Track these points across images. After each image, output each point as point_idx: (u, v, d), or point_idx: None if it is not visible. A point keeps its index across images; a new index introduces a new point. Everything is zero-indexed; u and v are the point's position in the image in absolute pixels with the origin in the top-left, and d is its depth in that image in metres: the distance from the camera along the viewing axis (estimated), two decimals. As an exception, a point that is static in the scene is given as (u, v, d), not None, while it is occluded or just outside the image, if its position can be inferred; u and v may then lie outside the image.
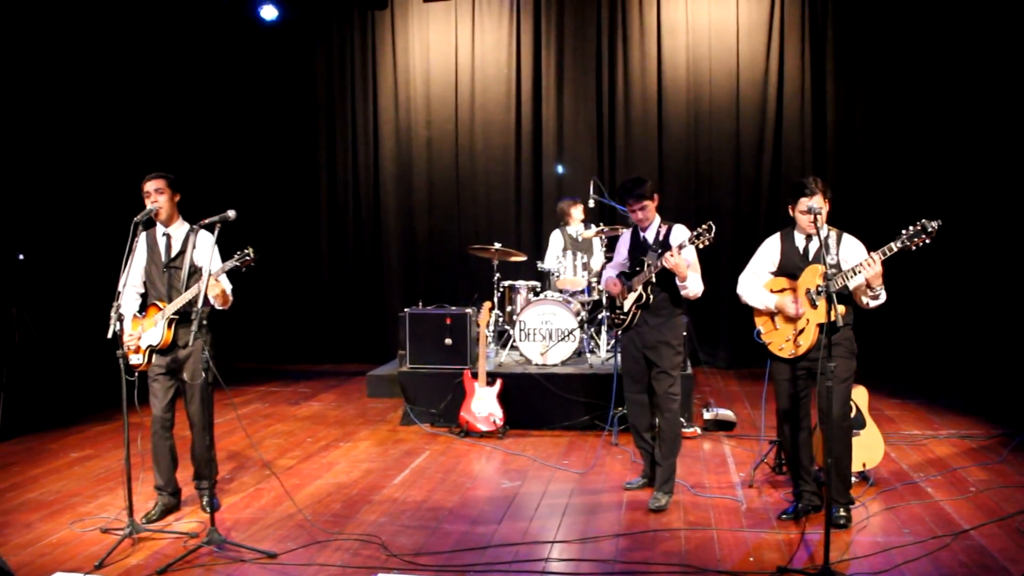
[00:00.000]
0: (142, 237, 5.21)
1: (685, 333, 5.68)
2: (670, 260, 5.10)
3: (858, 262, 4.55)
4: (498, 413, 7.06)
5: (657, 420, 5.48)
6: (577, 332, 7.70)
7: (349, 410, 8.43)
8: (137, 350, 5.10)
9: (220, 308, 5.05)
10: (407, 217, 11.10)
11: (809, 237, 4.91)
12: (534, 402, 7.33)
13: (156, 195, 5.13)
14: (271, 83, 11.39)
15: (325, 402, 8.89)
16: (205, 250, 5.18)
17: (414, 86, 10.98)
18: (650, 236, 5.43)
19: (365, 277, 11.28)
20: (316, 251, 11.41)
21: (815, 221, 4.66)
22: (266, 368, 10.98)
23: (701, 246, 5.01)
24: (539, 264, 8.64)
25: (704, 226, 4.96)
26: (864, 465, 5.51)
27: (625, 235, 5.70)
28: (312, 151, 11.39)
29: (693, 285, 5.24)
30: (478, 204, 10.81)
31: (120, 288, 5.20)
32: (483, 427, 7.07)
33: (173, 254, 5.20)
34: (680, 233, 5.33)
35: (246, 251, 4.77)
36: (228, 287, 5.07)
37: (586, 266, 8.16)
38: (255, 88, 11.42)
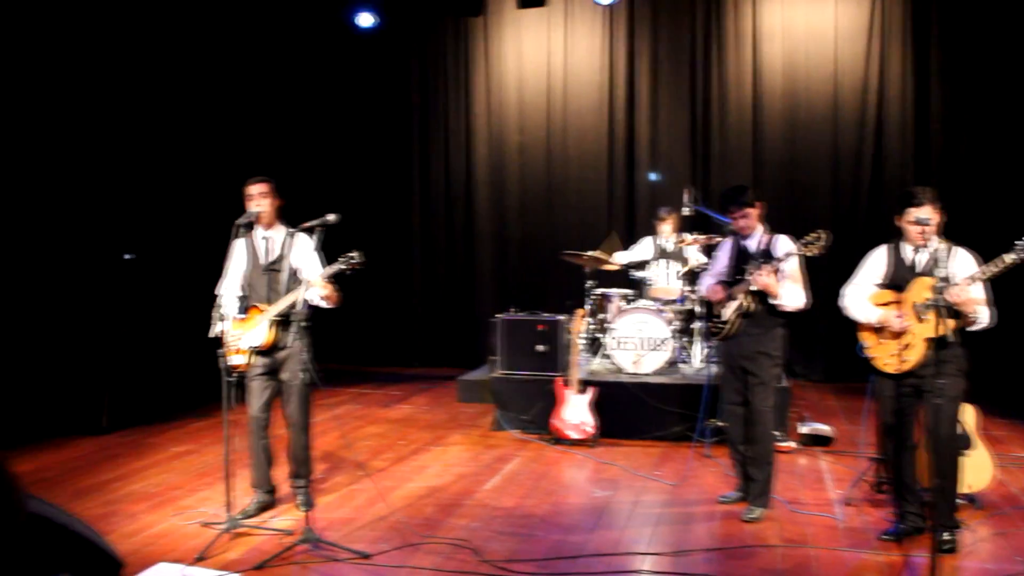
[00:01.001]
0: (242, 240, 5.32)
1: (783, 346, 5.54)
2: (759, 279, 5.00)
3: (963, 278, 4.38)
4: (590, 421, 7.00)
5: (752, 432, 5.36)
6: (670, 341, 7.61)
7: (440, 414, 8.48)
8: (238, 350, 5.21)
9: (328, 307, 5.13)
10: (499, 222, 11.12)
11: (918, 249, 4.74)
12: (626, 411, 7.26)
13: (260, 199, 5.23)
14: (367, 89, 11.55)
15: (416, 405, 8.97)
16: (303, 253, 5.26)
17: (507, 92, 11.02)
18: (752, 245, 5.32)
19: (457, 282, 11.35)
20: (409, 255, 11.51)
21: (923, 233, 4.49)
22: (358, 370, 11.12)
23: (810, 255, 4.87)
24: (620, 256, 8.58)
25: (815, 233, 4.83)
26: (971, 487, 5.29)
27: (725, 243, 5.60)
28: (406, 157, 11.51)
29: (791, 299, 5.11)
30: (570, 210, 10.76)
31: (220, 290, 5.35)
32: (574, 435, 7.01)
33: (272, 257, 5.29)
34: (784, 245, 5.20)
35: (352, 255, 4.82)
36: (335, 291, 5.11)
37: (679, 275, 8.05)
38: (351, 94, 11.60)
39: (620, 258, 8.63)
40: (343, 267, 4.84)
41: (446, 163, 11.39)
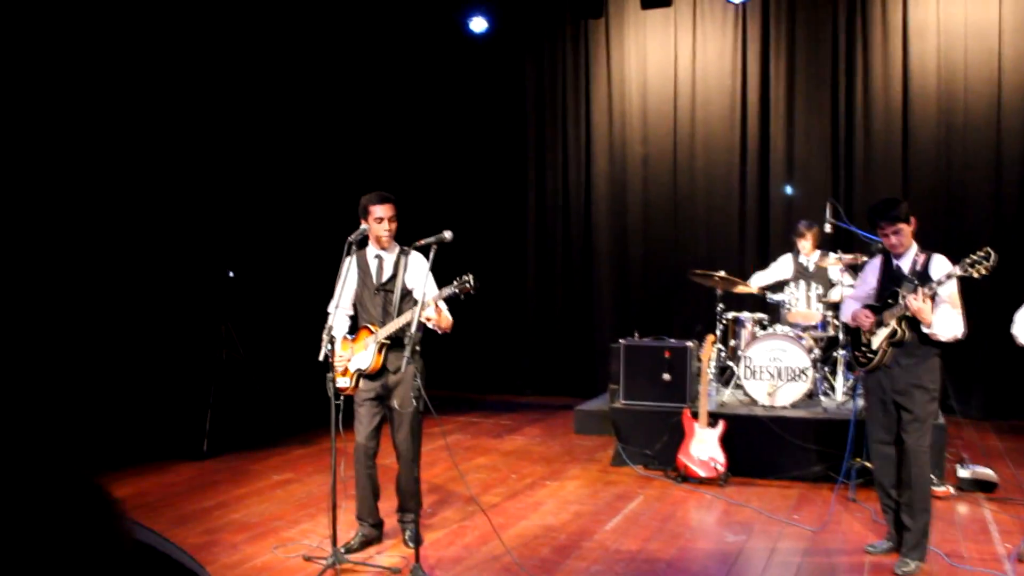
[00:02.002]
0: (353, 258, 5.39)
1: (940, 378, 5.32)
2: (914, 304, 4.82)
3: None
4: (720, 458, 6.88)
5: (906, 475, 5.15)
6: (810, 371, 7.42)
7: (555, 446, 8.47)
8: (344, 372, 5.31)
9: (440, 332, 5.20)
10: (620, 240, 11.08)
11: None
12: (760, 448, 7.12)
13: (389, 223, 5.33)
14: (480, 98, 11.70)
15: (530, 436, 8.98)
16: (418, 273, 5.33)
17: (630, 99, 10.98)
18: (905, 265, 5.13)
19: (574, 303, 11.36)
20: (522, 274, 11.59)
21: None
22: (466, 397, 11.23)
23: (976, 276, 4.68)
24: (756, 278, 8.42)
25: (981, 252, 4.63)
26: None
27: (874, 263, 5.42)
28: (521, 169, 11.60)
29: (946, 328, 4.90)
30: (698, 227, 10.64)
31: (331, 309, 5.46)
32: (702, 472, 6.90)
33: (385, 277, 5.39)
34: (942, 265, 5.00)
35: (466, 277, 4.86)
36: (447, 315, 5.20)
37: (820, 298, 7.86)
38: (463, 103, 11.77)
39: (757, 281, 8.47)
40: (456, 291, 4.88)
41: (563, 176, 11.43)
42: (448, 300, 5.04)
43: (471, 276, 4.88)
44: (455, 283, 4.88)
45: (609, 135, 11.14)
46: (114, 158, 8.26)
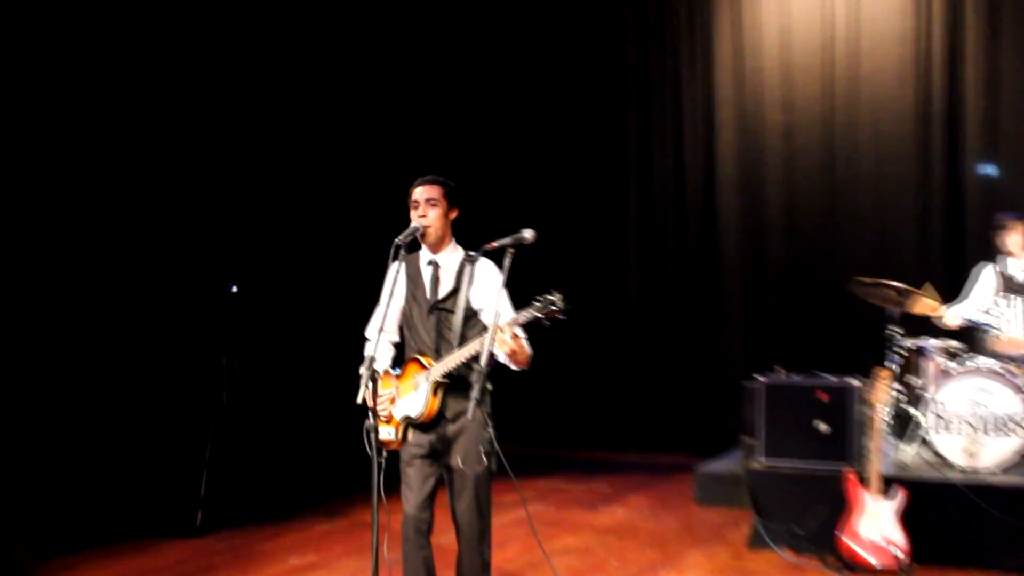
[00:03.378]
0: (402, 265, 5.28)
1: None
2: None
3: None
4: (899, 539, 6.74)
5: None
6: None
7: (670, 521, 8.42)
8: (388, 421, 5.25)
9: (514, 368, 5.11)
10: (754, 242, 11.03)
11: None
12: (956, 526, 6.98)
13: (427, 207, 5.25)
14: (562, 57, 11.77)
15: (634, 508, 8.94)
16: (488, 287, 5.24)
17: (765, 53, 10.93)
18: None
19: (692, 328, 11.31)
20: (621, 290, 11.60)
21: None
22: (547, 455, 11.18)
23: None
24: (954, 312, 8.23)
25: None
26: None
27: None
28: (618, 150, 11.61)
29: None
30: (862, 223, 10.50)
31: (370, 332, 5.43)
32: (874, 560, 6.76)
33: (443, 292, 5.31)
34: None
35: (552, 298, 4.75)
36: (526, 347, 5.03)
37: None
38: (541, 64, 11.84)
39: (958, 313, 8.24)
40: (538, 315, 4.77)
41: (676, 158, 11.42)
42: (526, 327, 4.94)
43: (559, 296, 4.76)
44: (537, 304, 4.77)
45: (737, 100, 11.09)
46: (87, 144, 8.50)
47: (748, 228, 11.05)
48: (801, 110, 10.80)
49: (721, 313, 11.15)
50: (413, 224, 5.25)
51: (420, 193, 5.27)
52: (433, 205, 5.26)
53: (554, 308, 4.74)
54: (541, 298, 4.78)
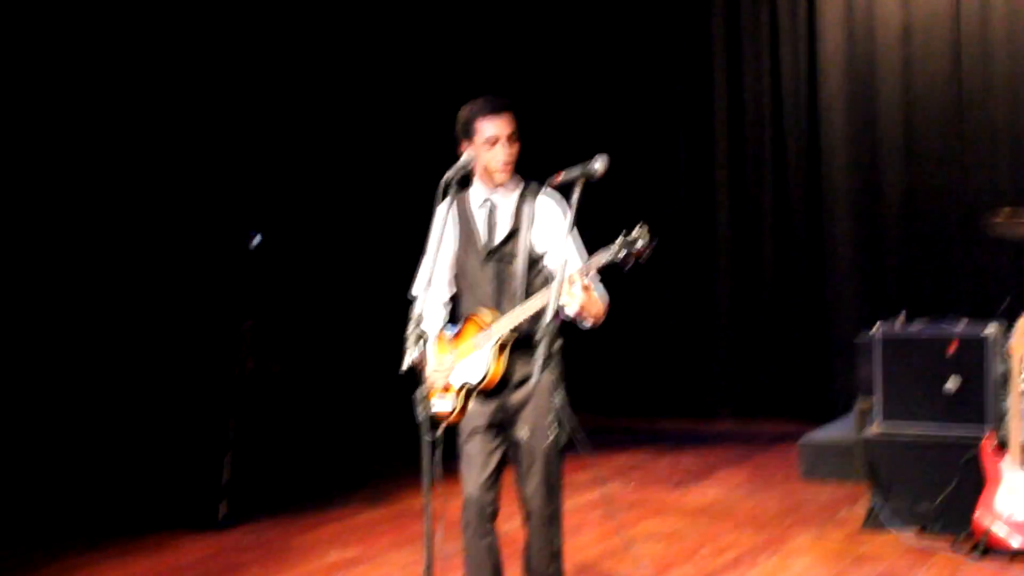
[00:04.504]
0: (452, 207, 5.28)
1: None
2: None
3: None
4: (1052, 518, 6.79)
5: None
6: None
7: (771, 500, 8.50)
8: (445, 389, 5.25)
9: (586, 325, 5.12)
10: (867, 168, 11.03)
11: None
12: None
13: (509, 143, 5.18)
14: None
15: (729, 485, 9.03)
16: (554, 227, 5.23)
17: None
18: None
19: (792, 273, 11.40)
20: (709, 229, 11.71)
21: None
22: (628, 425, 11.30)
23: None
24: None
25: None
26: None
27: None
28: (702, 62, 11.67)
29: None
30: (1000, 142, 10.47)
31: (417, 291, 5.37)
32: (1016, 542, 6.75)
33: (500, 235, 5.29)
34: None
35: (635, 234, 4.75)
36: (602, 294, 5.07)
37: None
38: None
39: None
40: (619, 256, 4.76)
41: (772, 67, 11.46)
42: (603, 272, 4.94)
43: (644, 231, 4.77)
44: (618, 243, 4.77)
45: (846, -1, 11.06)
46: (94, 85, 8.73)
47: (859, 151, 11.05)
48: (922, 4, 10.77)
49: (828, 254, 11.18)
50: (468, 157, 5.14)
51: (500, 126, 5.14)
52: (513, 140, 5.18)
53: (640, 245, 4.70)
54: (623, 238, 4.74)
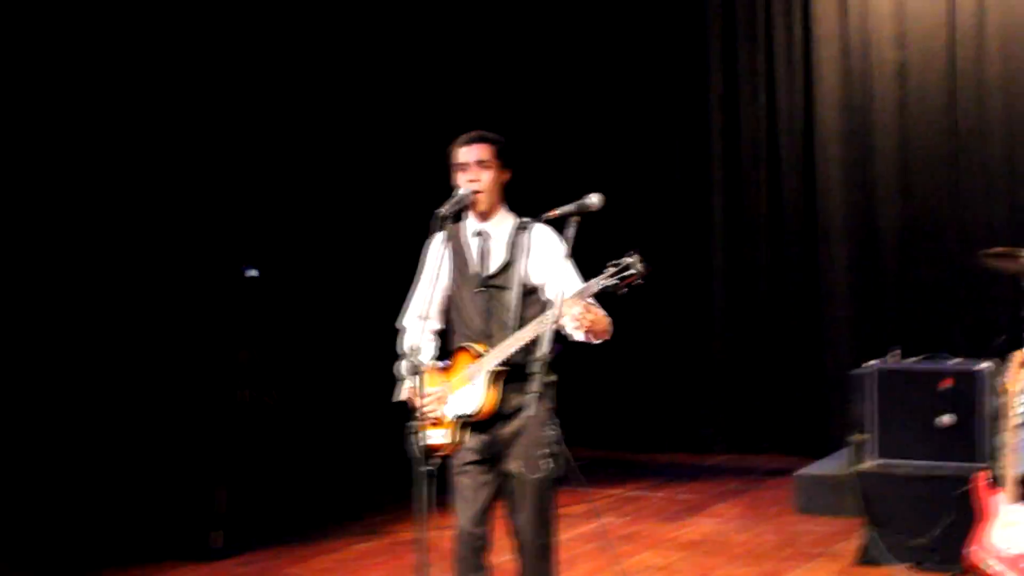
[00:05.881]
0: (443, 240, 5.32)
1: None
2: None
3: None
4: (1044, 554, 6.75)
5: None
6: None
7: (766, 534, 8.50)
8: (437, 422, 5.19)
9: (595, 342, 5.09)
10: (862, 202, 11.06)
11: None
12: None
13: (477, 169, 5.21)
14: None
15: (724, 518, 9.03)
16: (548, 258, 5.21)
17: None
18: None
19: (787, 308, 11.40)
20: (704, 264, 11.68)
21: None
22: (622, 458, 11.28)
23: None
24: None
25: None
26: None
27: None
28: (699, 98, 11.68)
29: None
30: (994, 177, 10.49)
31: (405, 322, 5.43)
32: (1010, 576, 6.78)
33: (494, 265, 5.28)
34: None
35: (628, 260, 4.76)
36: (603, 315, 5.04)
37: None
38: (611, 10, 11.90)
39: None
40: (612, 282, 4.77)
41: (769, 104, 11.48)
42: (599, 298, 4.94)
43: (637, 258, 4.76)
44: (610, 270, 4.78)
45: (841, 35, 11.12)
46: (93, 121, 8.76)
47: (854, 187, 11.07)
48: (917, 44, 10.81)
49: (824, 290, 11.20)
50: (459, 191, 5.18)
51: (467, 153, 5.20)
52: (484, 167, 5.20)
53: (631, 273, 4.71)
54: (615, 263, 4.75)
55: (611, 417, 11.76)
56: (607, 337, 5.07)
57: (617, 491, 10.04)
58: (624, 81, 11.92)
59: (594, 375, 11.21)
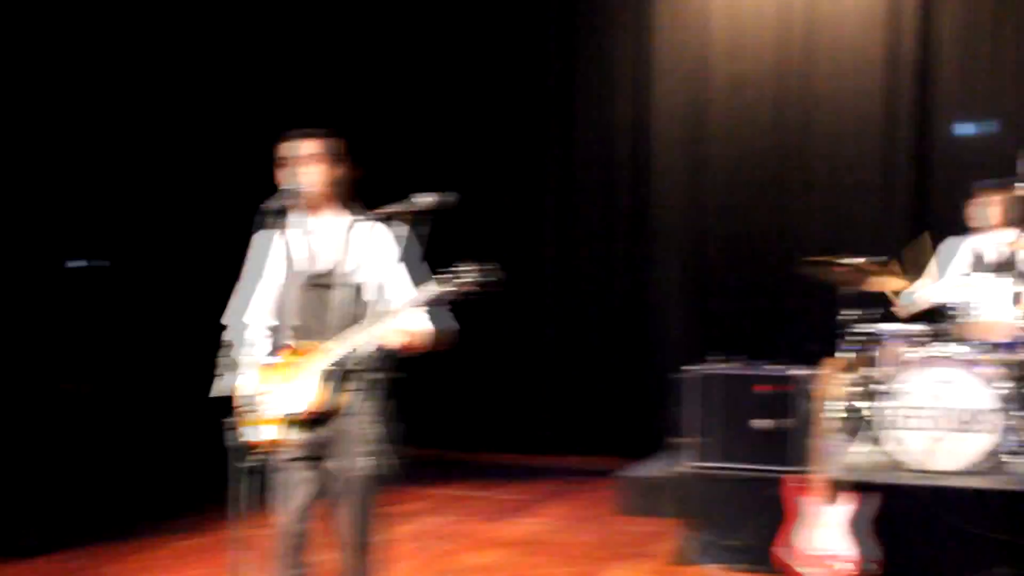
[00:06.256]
0: (272, 235, 5.28)
1: None
2: None
3: None
4: (848, 551, 6.87)
5: None
6: (994, 416, 7.45)
7: (587, 534, 8.54)
8: (263, 418, 5.12)
9: (412, 352, 5.13)
10: (695, 214, 11.21)
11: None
12: (915, 536, 7.13)
13: (308, 164, 5.20)
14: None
15: (549, 518, 9.06)
16: (379, 255, 5.25)
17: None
18: None
19: (618, 313, 11.48)
20: (538, 270, 11.73)
21: None
22: (451, 458, 11.28)
23: None
24: (924, 293, 8.45)
25: None
26: None
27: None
28: (536, 104, 11.75)
29: None
30: (817, 190, 10.73)
31: (232, 317, 5.34)
32: (818, 574, 6.92)
33: (323, 263, 5.26)
34: None
35: (464, 268, 4.81)
36: (427, 328, 5.10)
37: (1017, 299, 7.90)
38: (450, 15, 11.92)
39: (929, 295, 8.46)
40: (449, 289, 4.84)
41: (607, 115, 11.56)
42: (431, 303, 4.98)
43: (475, 266, 4.84)
44: (447, 277, 4.84)
45: (676, 48, 11.27)
46: None
47: (686, 194, 11.22)
48: (750, 59, 11.02)
49: (653, 296, 11.34)
50: (285, 185, 5.15)
51: (294, 148, 5.20)
52: (315, 162, 5.20)
53: (468, 282, 4.79)
54: (451, 270, 4.81)
55: (440, 416, 11.70)
56: (427, 349, 5.13)
57: (443, 490, 10.03)
58: (462, 84, 11.93)
59: (425, 374, 11.09)
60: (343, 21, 11.99)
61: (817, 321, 9.57)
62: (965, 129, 10.35)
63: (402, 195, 5.02)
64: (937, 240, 8.82)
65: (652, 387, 10.98)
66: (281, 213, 5.21)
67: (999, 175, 8.47)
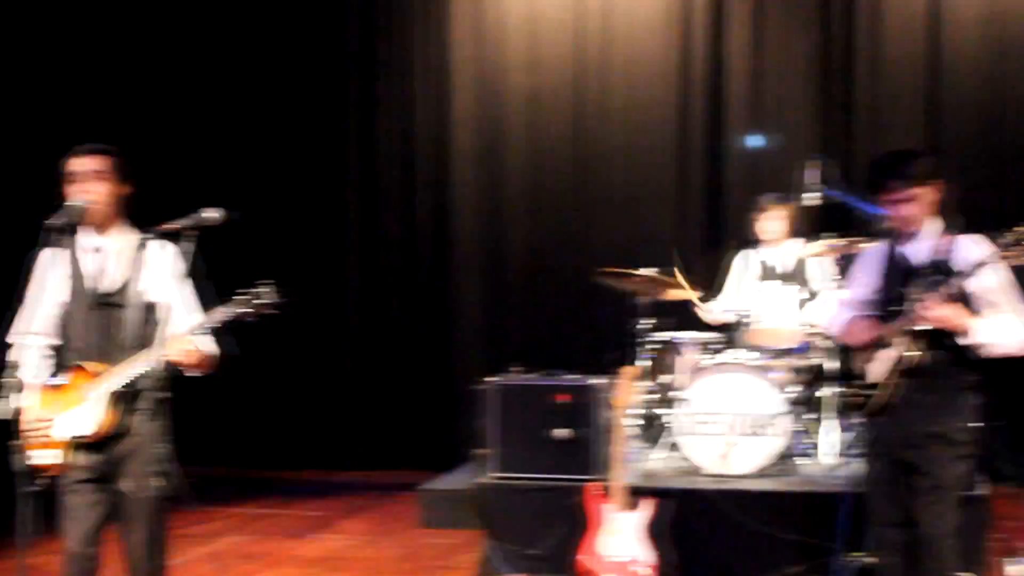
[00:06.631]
0: (57, 253, 5.16)
1: (978, 424, 5.53)
2: (932, 311, 5.03)
3: None
4: (645, 557, 6.91)
5: (922, 572, 5.36)
6: (783, 420, 7.63)
7: (389, 549, 8.50)
8: (48, 441, 5.04)
9: (195, 374, 5.09)
10: (493, 226, 11.26)
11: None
12: (708, 539, 7.26)
13: (94, 180, 5.10)
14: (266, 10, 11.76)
15: (349, 534, 9.01)
16: (165, 276, 5.19)
17: (509, 5, 11.15)
18: (918, 252, 5.35)
19: (418, 327, 11.47)
20: (336, 282, 11.66)
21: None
22: (249, 476, 11.18)
23: (1018, 263, 4.92)
24: (717, 307, 8.62)
25: (1020, 228, 4.87)
26: None
27: (872, 252, 5.65)
28: (335, 117, 11.67)
29: (998, 335, 5.12)
30: (614, 202, 10.85)
31: (15, 336, 5.20)
32: (618, 581, 7.00)
33: (110, 283, 5.18)
34: (971, 249, 5.19)
35: (258, 290, 4.80)
36: (211, 350, 5.07)
37: (803, 305, 8.08)
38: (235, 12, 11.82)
39: (721, 308, 8.65)
40: (241, 310, 4.82)
41: (405, 127, 11.56)
42: (229, 324, 4.96)
43: (270, 288, 4.83)
44: (239, 299, 4.83)
45: (477, 60, 11.31)
46: None
47: (486, 207, 11.28)
48: (547, 71, 11.10)
49: (454, 308, 11.35)
50: (71, 202, 5.05)
51: (81, 164, 5.10)
52: (100, 178, 5.11)
53: (260, 303, 4.79)
54: (246, 291, 4.80)
55: (239, 434, 11.57)
56: (204, 371, 5.09)
57: (243, 509, 9.91)
58: (260, 97, 11.77)
59: (222, 392, 11.02)
60: (129, 29, 11.72)
61: (614, 331, 9.67)
62: (755, 141, 10.54)
63: (195, 209, 4.95)
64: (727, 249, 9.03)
65: (453, 399, 11.01)
66: (66, 230, 5.11)
67: (788, 187, 8.64)
